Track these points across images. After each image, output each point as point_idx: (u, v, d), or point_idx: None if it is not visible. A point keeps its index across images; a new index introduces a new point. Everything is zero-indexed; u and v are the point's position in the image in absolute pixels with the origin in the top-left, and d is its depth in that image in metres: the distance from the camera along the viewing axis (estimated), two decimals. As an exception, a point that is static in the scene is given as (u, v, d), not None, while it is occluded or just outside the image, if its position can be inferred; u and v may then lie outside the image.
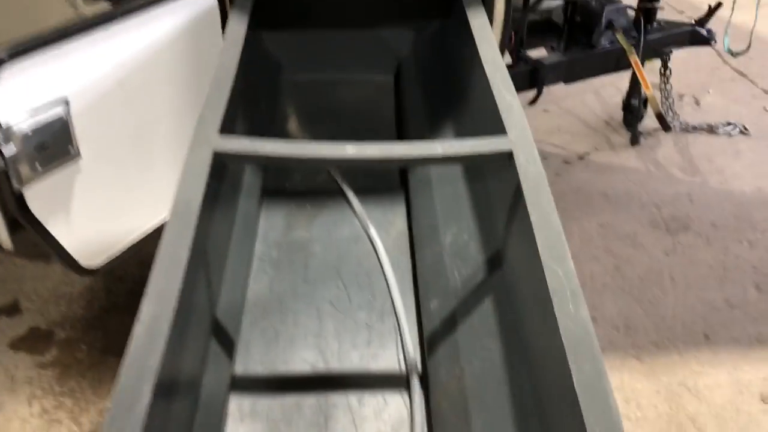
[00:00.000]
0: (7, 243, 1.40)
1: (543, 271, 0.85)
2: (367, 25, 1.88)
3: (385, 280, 1.36)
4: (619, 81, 2.92)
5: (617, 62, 2.50)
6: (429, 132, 1.61)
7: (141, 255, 2.21)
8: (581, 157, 2.77)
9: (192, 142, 1.04)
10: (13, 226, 1.37)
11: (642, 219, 2.43)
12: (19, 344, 1.91)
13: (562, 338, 0.76)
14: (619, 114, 2.95)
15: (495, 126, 1.11)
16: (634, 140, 2.82)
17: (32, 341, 1.93)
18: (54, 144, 1.26)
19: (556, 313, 0.79)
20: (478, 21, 1.40)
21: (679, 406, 1.77)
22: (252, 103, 1.56)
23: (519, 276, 1.02)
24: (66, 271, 2.11)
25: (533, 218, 0.90)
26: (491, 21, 1.59)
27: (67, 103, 1.27)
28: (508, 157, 1.03)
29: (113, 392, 0.74)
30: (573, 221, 2.40)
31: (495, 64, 1.23)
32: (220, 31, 1.56)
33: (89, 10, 1.60)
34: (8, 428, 1.67)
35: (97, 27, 1.34)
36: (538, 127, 2.99)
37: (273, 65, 1.87)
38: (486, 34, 1.33)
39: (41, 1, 1.59)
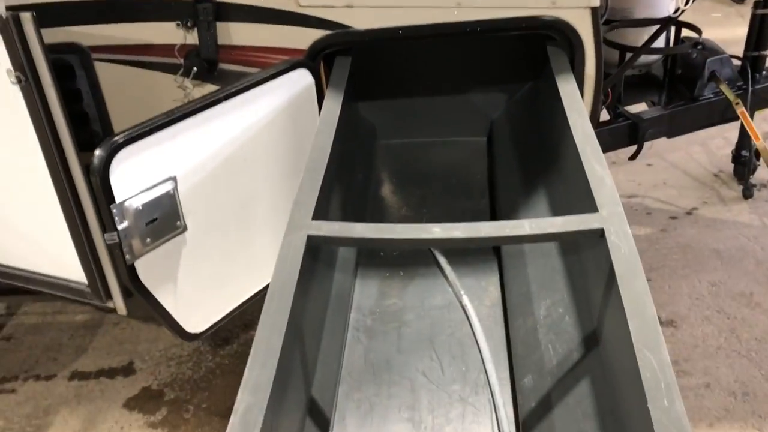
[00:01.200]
0: (122, 309, 1.50)
1: (636, 360, 0.82)
2: (460, 90, 1.91)
3: (479, 351, 1.35)
4: (728, 131, 2.80)
5: (723, 114, 2.40)
6: (522, 196, 1.60)
7: (245, 318, 2.30)
8: (689, 212, 2.66)
9: (288, 227, 1.09)
10: (126, 293, 1.47)
11: (758, 276, 2.29)
12: (133, 403, 2.02)
13: None
14: (728, 166, 2.81)
15: (586, 200, 1.09)
16: (747, 193, 2.68)
17: (144, 401, 2.02)
18: (162, 219, 1.36)
19: (650, 407, 0.75)
20: (566, 87, 1.40)
21: (806, 487, 1.63)
22: (348, 172, 1.61)
23: (614, 358, 0.98)
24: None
25: (626, 303, 0.88)
26: (582, 83, 1.58)
27: (175, 180, 1.36)
28: (599, 235, 1.01)
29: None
30: (682, 279, 2.29)
31: (585, 134, 1.22)
32: (317, 107, 1.64)
33: (197, 92, 1.73)
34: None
35: (203, 108, 1.44)
36: (641, 181, 2.90)
37: (368, 131, 1.93)
38: (575, 102, 1.32)
39: (157, 85, 1.73)
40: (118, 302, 1.50)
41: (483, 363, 1.32)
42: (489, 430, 1.20)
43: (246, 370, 0.89)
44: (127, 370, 2.14)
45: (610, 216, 1.03)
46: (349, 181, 1.63)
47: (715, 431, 1.76)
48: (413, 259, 1.62)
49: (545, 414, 1.12)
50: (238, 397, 0.85)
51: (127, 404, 2.02)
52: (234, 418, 0.83)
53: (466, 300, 1.46)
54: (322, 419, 1.20)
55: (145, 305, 1.44)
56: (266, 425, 0.83)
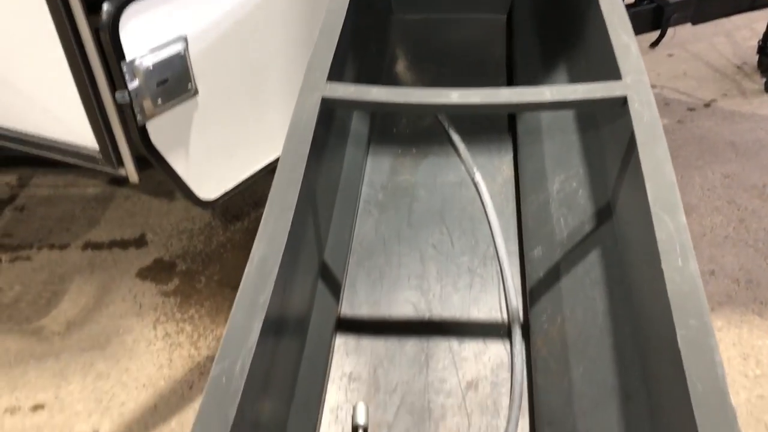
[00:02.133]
0: (134, 176, 1.50)
1: (652, 223, 0.81)
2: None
3: (489, 225, 1.36)
4: (756, 21, 2.70)
5: (752, 1, 2.30)
6: (541, 73, 1.56)
7: (256, 196, 2.32)
8: (707, 104, 2.61)
9: (301, 89, 1.07)
10: (138, 161, 1.47)
11: (772, 170, 2.27)
12: (146, 273, 2.06)
13: (668, 292, 0.73)
14: (753, 58, 2.73)
15: (610, 70, 1.06)
16: (769, 86, 2.62)
17: (157, 271, 2.07)
18: (173, 80, 1.33)
19: (663, 267, 0.76)
20: (596, -43, 1.33)
21: (800, 369, 1.68)
22: (362, 45, 1.57)
23: (628, 227, 0.98)
24: (187, 208, 2.25)
25: (645, 167, 0.86)
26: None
27: (186, 41, 1.33)
28: (621, 103, 0.98)
29: (226, 327, 0.79)
30: (695, 170, 2.28)
31: (612, 2, 1.17)
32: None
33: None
34: (136, 349, 1.82)
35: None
36: (661, 71, 2.83)
37: (383, 5, 1.86)
38: None
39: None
40: (130, 168, 1.49)
41: (492, 236, 1.33)
42: (496, 298, 1.23)
43: (261, 223, 0.89)
44: (139, 242, 2.18)
45: (634, 84, 1.00)
46: (362, 54, 1.58)
47: (717, 315, 1.80)
48: (426, 136, 1.60)
49: (553, 283, 1.14)
50: (254, 246, 0.86)
51: (140, 274, 2.06)
52: (250, 267, 0.83)
53: (478, 176, 1.46)
54: (334, 283, 1.22)
55: (158, 171, 1.44)
56: (281, 277, 0.84)
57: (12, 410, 1.68)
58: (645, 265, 0.86)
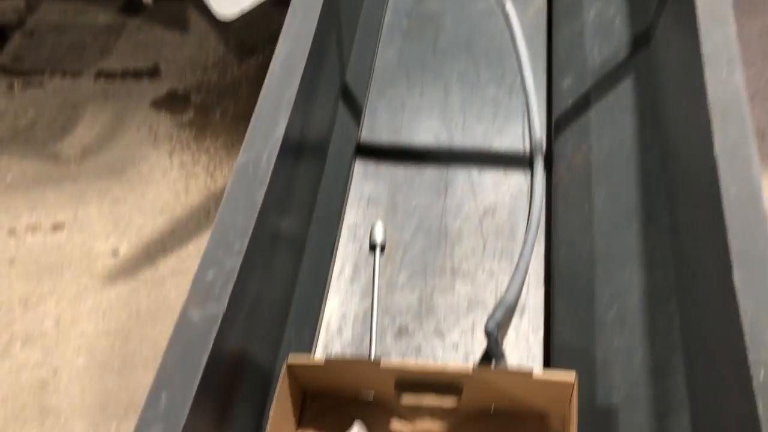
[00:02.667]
0: (148, -2, 1.44)
1: (698, 36, 0.77)
2: None
3: (517, 56, 1.30)
4: None
5: None
6: None
7: (271, 28, 2.24)
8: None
9: None
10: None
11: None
12: (161, 104, 2.04)
13: (709, 101, 0.70)
14: None
15: None
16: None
17: (171, 102, 2.04)
18: None
19: (706, 77, 0.72)
20: None
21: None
22: None
23: (668, 49, 0.94)
24: (201, 41, 2.18)
25: None
26: None
27: None
28: None
29: (252, 120, 0.77)
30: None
31: None
32: None
33: None
34: (152, 177, 1.83)
35: None
36: None
37: None
38: None
39: None
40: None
41: (520, 67, 1.28)
42: (520, 129, 1.20)
43: (285, 24, 0.85)
44: (153, 73, 2.13)
45: None
46: None
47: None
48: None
49: (581, 112, 1.11)
50: (279, 43, 0.82)
51: (155, 104, 2.04)
52: (274, 65, 0.80)
53: (509, 5, 1.38)
54: (355, 107, 1.20)
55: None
56: (306, 77, 0.81)
57: (33, 228, 1.72)
58: (685, 83, 0.83)
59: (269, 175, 0.68)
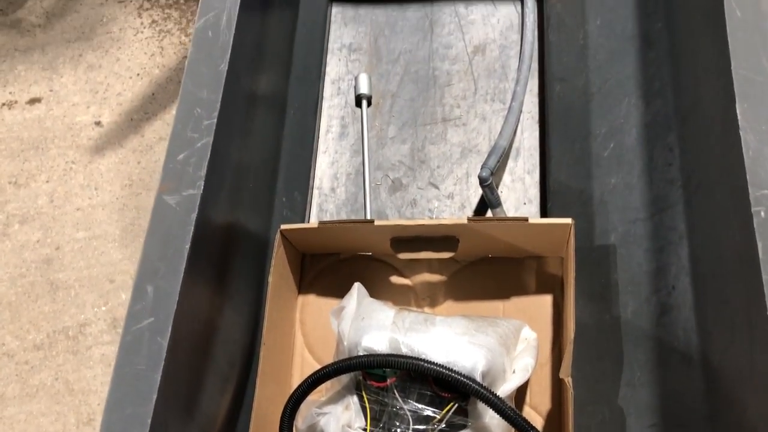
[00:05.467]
0: None
1: None
2: None
3: None
4: None
5: None
6: None
7: None
8: None
9: None
10: None
11: None
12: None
13: None
14: None
15: None
16: None
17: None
18: None
19: None
20: None
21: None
22: None
23: None
24: None
25: None
26: None
27: None
28: None
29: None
30: None
31: None
32: None
33: None
34: (123, 37, 1.74)
35: None
36: None
37: None
38: None
39: None
40: None
41: None
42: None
43: None
44: None
45: None
46: None
47: None
48: None
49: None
50: None
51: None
52: None
53: None
54: None
55: None
56: None
57: (9, 104, 1.66)
58: None
59: (232, 38, 0.63)
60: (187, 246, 0.53)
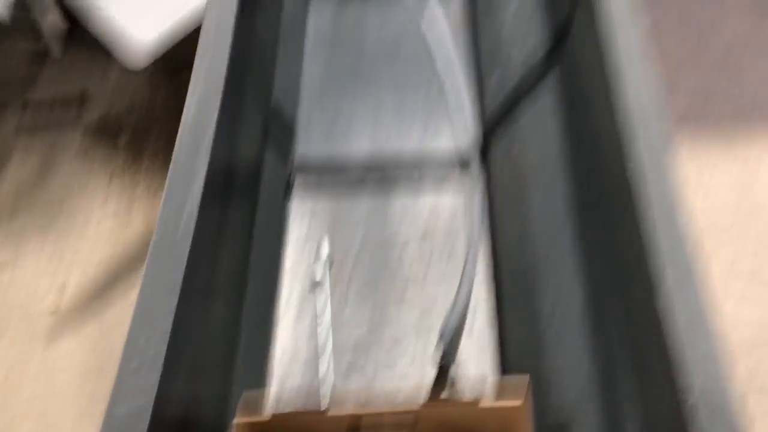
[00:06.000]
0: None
1: (612, 35, 0.77)
2: None
3: (446, 57, 1.29)
4: None
5: None
6: None
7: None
8: None
9: None
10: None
11: None
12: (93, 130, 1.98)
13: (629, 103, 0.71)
14: None
15: None
16: None
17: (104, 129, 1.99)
18: None
19: (625, 74, 0.73)
20: None
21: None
22: None
23: (584, 45, 0.93)
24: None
25: None
26: None
27: None
28: None
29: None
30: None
31: None
32: None
33: None
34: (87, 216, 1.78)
35: None
36: None
37: None
38: None
39: None
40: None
41: (451, 68, 1.26)
42: (452, 131, 1.19)
43: (196, 56, 0.83)
44: (82, 99, 2.07)
45: None
46: None
47: (676, 127, 1.80)
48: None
49: (510, 113, 1.11)
50: (192, 81, 0.80)
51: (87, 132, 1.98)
52: (189, 107, 0.78)
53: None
54: (287, 123, 1.17)
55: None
56: (222, 122, 0.78)
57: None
58: (601, 78, 0.83)
59: (191, 237, 0.66)
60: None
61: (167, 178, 0.74)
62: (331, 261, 1.03)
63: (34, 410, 1.49)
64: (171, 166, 0.75)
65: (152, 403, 0.57)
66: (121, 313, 1.59)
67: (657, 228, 0.64)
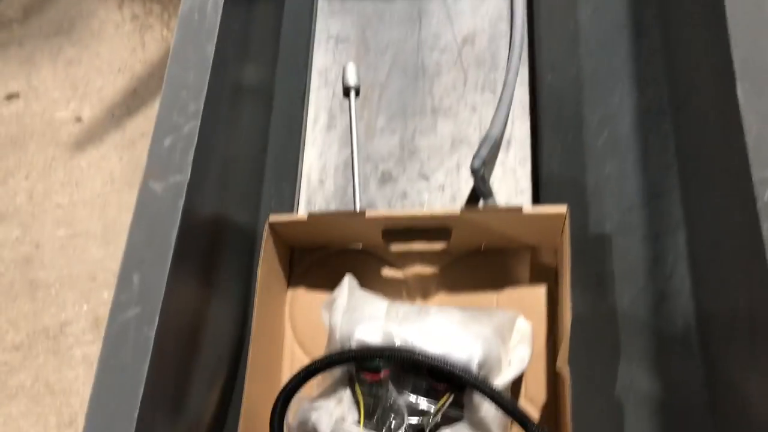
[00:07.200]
0: None
1: None
2: None
3: None
4: None
5: None
6: None
7: None
8: None
9: None
10: None
11: None
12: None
13: None
14: None
15: None
16: None
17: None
18: None
19: None
20: None
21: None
22: None
23: None
24: None
25: None
26: None
27: None
28: None
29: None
30: None
31: None
32: None
33: None
34: (103, 31, 1.70)
35: None
36: None
37: None
38: None
39: None
40: None
41: None
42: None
43: None
44: None
45: None
46: None
47: None
48: None
49: None
50: None
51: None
52: None
53: None
54: None
55: None
56: None
57: (-14, 100, 1.62)
58: None
59: (219, 22, 0.61)
60: (174, 233, 0.51)
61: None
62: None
63: (66, 217, 1.49)
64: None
65: (188, 180, 0.54)
66: (144, 123, 1.56)
67: (736, 41, 0.57)
